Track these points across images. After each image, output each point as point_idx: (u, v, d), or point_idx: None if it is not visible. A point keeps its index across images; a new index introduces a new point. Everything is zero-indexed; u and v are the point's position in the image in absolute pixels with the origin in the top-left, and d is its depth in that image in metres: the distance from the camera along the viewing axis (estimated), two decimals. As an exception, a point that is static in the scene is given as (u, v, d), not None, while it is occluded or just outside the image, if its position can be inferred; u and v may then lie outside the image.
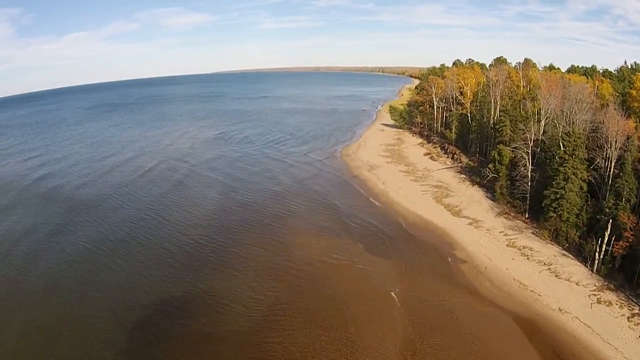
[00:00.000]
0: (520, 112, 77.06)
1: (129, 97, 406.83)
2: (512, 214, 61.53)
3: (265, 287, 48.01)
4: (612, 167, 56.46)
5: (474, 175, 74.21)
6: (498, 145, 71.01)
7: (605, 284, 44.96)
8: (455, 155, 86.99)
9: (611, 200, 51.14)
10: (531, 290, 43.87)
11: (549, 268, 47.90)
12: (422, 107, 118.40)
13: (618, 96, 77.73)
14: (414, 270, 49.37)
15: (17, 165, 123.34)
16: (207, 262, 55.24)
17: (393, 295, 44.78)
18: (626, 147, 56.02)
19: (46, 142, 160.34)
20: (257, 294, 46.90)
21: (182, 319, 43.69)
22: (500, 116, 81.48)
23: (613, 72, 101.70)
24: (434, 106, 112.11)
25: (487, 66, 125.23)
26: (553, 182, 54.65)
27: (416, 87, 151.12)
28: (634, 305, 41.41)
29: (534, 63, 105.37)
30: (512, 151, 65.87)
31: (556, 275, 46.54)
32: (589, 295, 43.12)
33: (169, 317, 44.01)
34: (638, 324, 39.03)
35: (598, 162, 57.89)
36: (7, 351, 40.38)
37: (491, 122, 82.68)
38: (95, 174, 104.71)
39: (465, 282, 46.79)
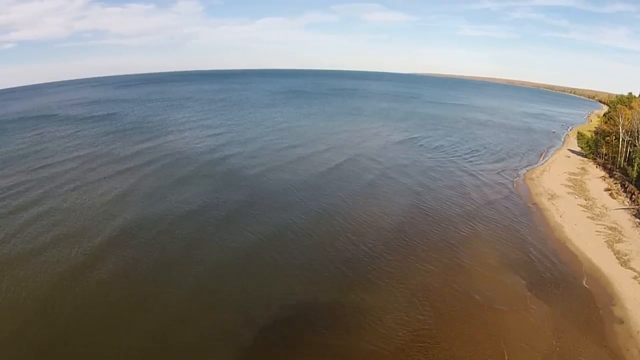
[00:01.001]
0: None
1: (320, 87, 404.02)
2: (674, 272, 56.89)
3: (418, 310, 45.46)
4: None
5: (648, 221, 71.77)
6: (674, 195, 68.15)
7: None
8: (633, 196, 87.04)
9: None
10: (671, 365, 40.15)
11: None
12: (608, 138, 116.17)
13: None
14: (571, 323, 45.21)
15: (200, 140, 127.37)
16: (367, 271, 53.17)
17: (544, 352, 40.65)
18: None
19: (231, 121, 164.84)
20: (406, 315, 44.38)
21: (319, 327, 42.06)
22: (679, 160, 77.01)
23: None
24: (619, 138, 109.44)
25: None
26: None
27: (604, 115, 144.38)
28: None
29: None
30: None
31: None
32: None
33: (304, 322, 42.74)
34: None
35: None
36: (124, 324, 41.60)
37: (671, 165, 79.58)
38: (280, 162, 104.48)
39: (615, 346, 42.42)
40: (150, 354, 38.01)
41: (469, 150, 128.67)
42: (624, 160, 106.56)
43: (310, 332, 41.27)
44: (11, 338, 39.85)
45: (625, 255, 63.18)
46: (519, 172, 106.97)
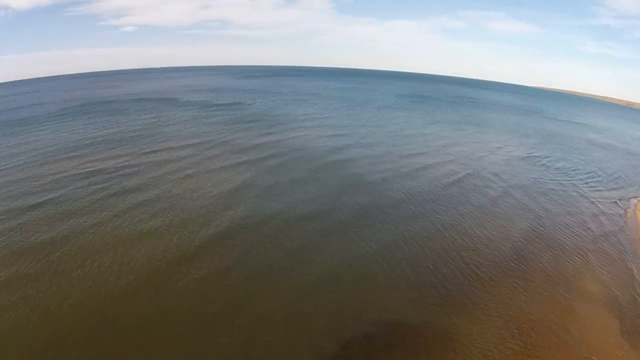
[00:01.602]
0: None
1: (444, 93, 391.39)
2: None
3: (512, 341, 42.49)
4: None
5: None
6: None
7: None
8: None
9: None
10: None
11: None
12: None
13: None
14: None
15: (322, 139, 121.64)
16: (470, 292, 50.32)
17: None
18: None
19: (356, 122, 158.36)
20: (502, 344, 41.64)
21: (408, 348, 39.73)
22: None
23: None
24: None
25: None
26: None
27: None
28: None
29: None
30: None
31: None
32: None
33: (392, 341, 40.67)
34: None
35: None
36: (212, 321, 40.63)
37: None
38: (403, 170, 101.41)
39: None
40: (232, 355, 37.41)
41: (589, 174, 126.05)
42: None
43: (397, 351, 39.32)
44: (94, 322, 39.29)
45: None
46: (630, 202, 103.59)
